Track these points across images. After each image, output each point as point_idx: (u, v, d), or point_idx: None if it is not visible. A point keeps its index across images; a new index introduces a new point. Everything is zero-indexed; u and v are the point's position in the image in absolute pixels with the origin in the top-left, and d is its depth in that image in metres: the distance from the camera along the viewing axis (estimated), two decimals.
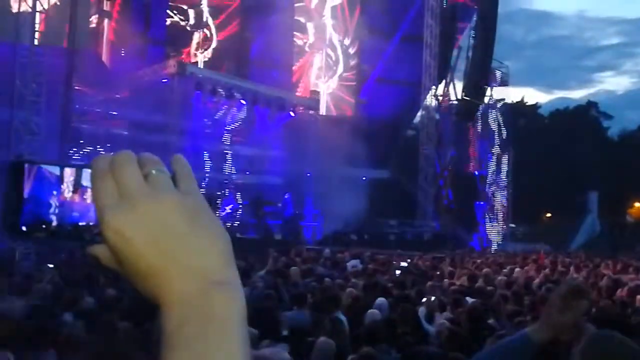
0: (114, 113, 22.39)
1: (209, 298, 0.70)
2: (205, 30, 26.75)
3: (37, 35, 21.17)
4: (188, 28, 26.72)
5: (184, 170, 0.79)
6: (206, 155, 24.51)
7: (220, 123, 25.03)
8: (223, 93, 23.99)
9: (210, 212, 0.76)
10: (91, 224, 0.90)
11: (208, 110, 24.23)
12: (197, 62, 26.23)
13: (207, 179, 24.50)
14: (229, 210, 24.59)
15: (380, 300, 8.86)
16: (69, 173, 1.08)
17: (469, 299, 8.85)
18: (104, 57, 23.27)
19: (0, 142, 20.12)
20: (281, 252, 17.14)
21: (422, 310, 8.52)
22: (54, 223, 1.03)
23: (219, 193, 24.22)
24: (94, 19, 23.46)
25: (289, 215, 25.15)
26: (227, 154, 25.28)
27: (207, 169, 24.64)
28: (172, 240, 0.71)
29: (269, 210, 24.45)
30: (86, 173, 0.96)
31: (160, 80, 23.05)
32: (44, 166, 0.98)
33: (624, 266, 16.45)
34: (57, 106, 21.35)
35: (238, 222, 24.20)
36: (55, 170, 1.07)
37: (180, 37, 26.45)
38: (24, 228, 0.99)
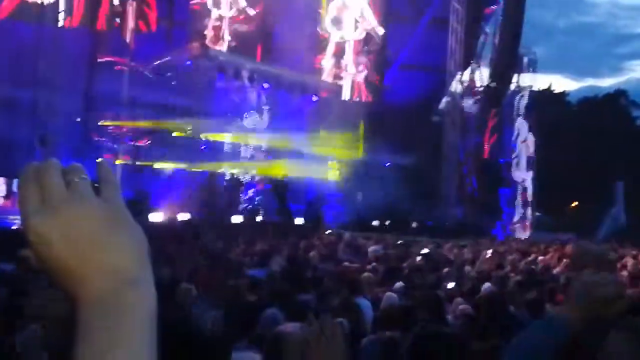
0: (137, 95, 22.36)
1: (119, 295, 0.75)
2: (229, 12, 26.58)
3: (60, 16, 21.23)
4: (212, 11, 26.54)
5: (106, 177, 0.83)
6: (228, 138, 24.47)
7: (243, 107, 24.95)
8: (246, 76, 23.90)
9: (128, 216, 0.81)
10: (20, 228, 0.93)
11: (231, 93, 24.15)
12: (220, 45, 26.07)
13: (229, 163, 24.48)
14: (251, 194, 24.56)
15: (399, 284, 8.83)
16: (0, 181, 1.01)
17: (488, 286, 8.74)
18: (128, 39, 23.21)
19: (24, 123, 20.26)
20: (302, 236, 17.11)
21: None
22: None
23: (242, 178, 24.20)
24: (118, 0, 23.38)
25: (311, 200, 25.06)
26: (249, 137, 25.22)
27: (230, 153, 24.62)
28: (89, 243, 0.77)
29: (291, 194, 24.36)
30: (16, 180, 0.97)
31: (183, 63, 23.02)
32: None
33: None
34: (80, 88, 21.41)
35: (260, 206, 24.17)
36: None
37: (204, 20, 26.30)
38: None
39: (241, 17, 26.40)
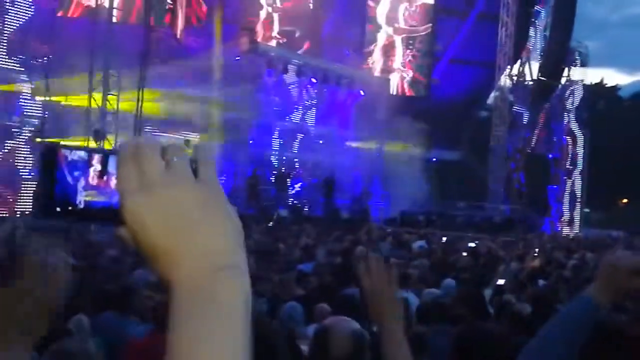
0: (188, 89, 22.75)
1: (213, 281, 0.74)
2: (278, 7, 26.81)
3: (115, 12, 21.72)
4: (262, 5, 26.81)
5: (205, 158, 0.81)
6: (276, 133, 24.72)
7: (290, 101, 25.17)
8: (294, 71, 24.10)
9: (224, 199, 0.80)
10: (113, 207, 0.94)
11: (279, 88, 24.39)
12: (269, 40, 26.34)
13: (277, 157, 24.75)
14: (298, 189, 24.78)
15: (448, 280, 8.80)
16: (96, 159, 1.04)
17: (541, 282, 8.72)
18: (179, 35, 23.62)
19: (77, 119, 20.81)
20: (348, 230, 17.19)
21: (488, 293, 8.42)
22: (81, 206, 1.06)
23: (289, 172, 24.42)
24: None
25: (357, 195, 25.16)
26: (297, 132, 25.43)
27: (277, 147, 24.87)
28: (184, 225, 0.76)
29: (337, 189, 24.50)
30: (112, 159, 0.97)
31: (232, 57, 23.32)
32: (74, 151, 0.98)
33: None
34: (133, 83, 21.84)
35: (307, 200, 24.38)
36: (84, 155, 1.01)
37: (253, 15, 26.59)
38: (58, 209, 0.97)
39: (291, 11, 26.60)
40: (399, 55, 30.01)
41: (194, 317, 0.72)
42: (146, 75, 21.76)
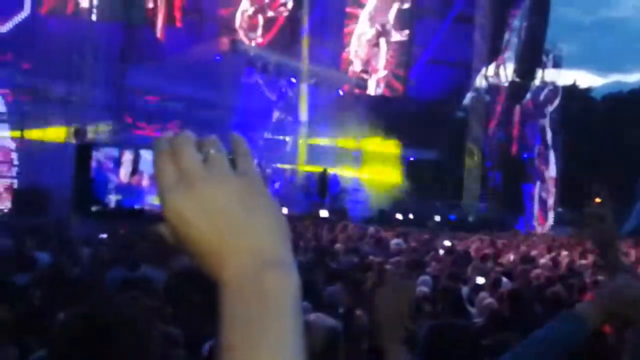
0: (167, 88, 22.81)
1: (261, 277, 0.71)
2: (258, 7, 26.91)
3: (94, 11, 21.73)
4: (242, 5, 26.89)
5: (241, 150, 0.80)
6: (255, 132, 24.84)
7: (270, 100, 25.31)
8: (274, 71, 24.24)
9: (266, 192, 0.77)
10: (146, 207, 0.92)
11: (259, 87, 24.52)
12: (249, 40, 26.44)
13: (255, 155, 24.87)
14: (277, 187, 24.96)
15: (424, 277, 8.93)
16: (127, 156, 0.96)
17: (506, 281, 8.77)
18: (159, 34, 23.64)
19: (58, 115, 20.79)
20: (327, 228, 17.38)
21: (465, 290, 8.55)
22: (111, 205, 0.99)
23: (269, 170, 24.57)
24: None
25: (335, 193, 25.37)
26: (276, 130, 25.58)
27: (256, 146, 24.99)
28: (227, 221, 0.73)
29: (316, 187, 24.70)
30: (144, 156, 0.97)
31: (212, 57, 23.41)
32: (104, 148, 0.93)
33: None
34: (113, 81, 21.86)
35: (285, 198, 24.54)
36: (114, 152, 0.94)
37: (233, 15, 26.65)
38: (93, 209, 0.96)
39: (271, 11, 26.75)
40: (382, 57, 30.22)
41: (245, 315, 0.69)
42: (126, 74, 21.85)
